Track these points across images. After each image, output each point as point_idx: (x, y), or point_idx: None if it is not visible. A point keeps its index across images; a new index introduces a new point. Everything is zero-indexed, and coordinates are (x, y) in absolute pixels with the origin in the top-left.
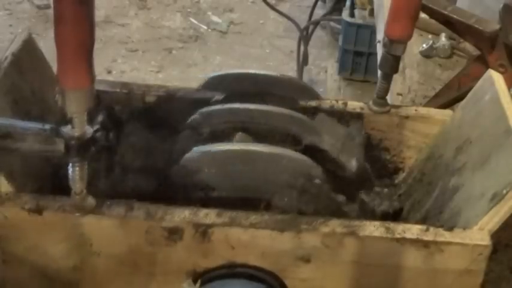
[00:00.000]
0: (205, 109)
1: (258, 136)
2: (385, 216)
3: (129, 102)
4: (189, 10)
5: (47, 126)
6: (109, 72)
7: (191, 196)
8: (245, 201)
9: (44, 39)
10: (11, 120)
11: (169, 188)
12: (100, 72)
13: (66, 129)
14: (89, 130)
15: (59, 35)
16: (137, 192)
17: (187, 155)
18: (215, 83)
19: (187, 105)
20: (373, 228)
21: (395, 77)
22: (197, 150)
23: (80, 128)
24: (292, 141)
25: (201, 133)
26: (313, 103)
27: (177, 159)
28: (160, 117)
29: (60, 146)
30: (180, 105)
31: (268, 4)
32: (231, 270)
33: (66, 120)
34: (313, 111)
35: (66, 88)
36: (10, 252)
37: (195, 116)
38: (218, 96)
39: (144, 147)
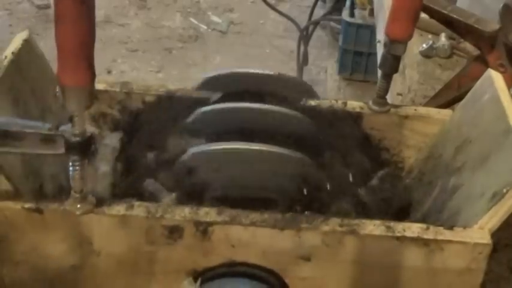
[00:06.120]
0: (202, 109)
1: (258, 135)
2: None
3: (128, 102)
4: (189, 10)
5: (47, 125)
6: (109, 72)
7: (190, 197)
8: (246, 201)
9: (44, 39)
10: (11, 119)
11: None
12: (100, 72)
13: (66, 128)
14: (89, 129)
15: (60, 33)
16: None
17: (184, 156)
18: (212, 83)
19: (185, 105)
20: (373, 227)
21: (395, 76)
22: (193, 150)
23: (80, 126)
24: (291, 140)
25: (198, 133)
26: (312, 103)
27: (174, 161)
28: (158, 118)
29: (61, 145)
30: (178, 106)
31: (268, 4)
32: (231, 269)
33: (66, 119)
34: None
35: (66, 86)
36: (10, 251)
37: (192, 117)
38: (216, 96)
39: (144, 149)
